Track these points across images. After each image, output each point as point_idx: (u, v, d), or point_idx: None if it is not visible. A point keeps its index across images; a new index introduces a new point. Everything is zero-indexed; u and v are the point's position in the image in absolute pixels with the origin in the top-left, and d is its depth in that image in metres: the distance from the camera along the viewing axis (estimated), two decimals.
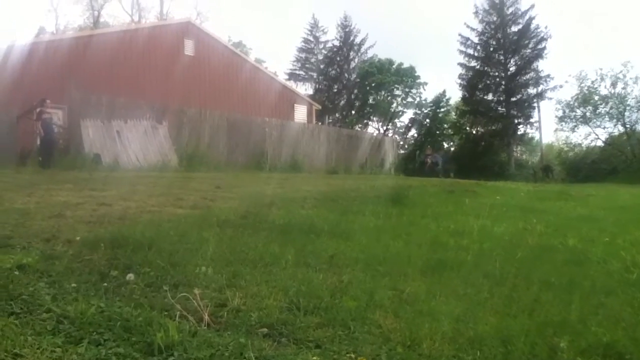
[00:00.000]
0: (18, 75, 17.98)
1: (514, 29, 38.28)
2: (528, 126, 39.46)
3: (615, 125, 36.13)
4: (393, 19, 74.76)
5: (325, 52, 48.15)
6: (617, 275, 4.18)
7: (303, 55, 49.10)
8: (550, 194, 13.75)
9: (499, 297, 3.32)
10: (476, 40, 38.88)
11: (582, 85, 36.04)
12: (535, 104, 37.90)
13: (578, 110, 36.67)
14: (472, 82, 38.86)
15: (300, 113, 29.16)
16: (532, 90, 37.85)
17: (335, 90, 46.76)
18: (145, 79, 21.84)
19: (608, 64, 66.90)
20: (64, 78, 18.53)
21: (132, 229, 4.39)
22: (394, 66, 44.46)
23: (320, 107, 33.60)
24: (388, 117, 45.99)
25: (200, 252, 3.79)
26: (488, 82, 38.99)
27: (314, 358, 2.26)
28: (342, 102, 46.60)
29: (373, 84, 43.89)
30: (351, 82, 46.28)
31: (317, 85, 47.62)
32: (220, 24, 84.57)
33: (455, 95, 46.43)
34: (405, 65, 44.79)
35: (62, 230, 4.35)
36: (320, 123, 33.82)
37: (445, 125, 44.55)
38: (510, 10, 38.22)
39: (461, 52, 38.99)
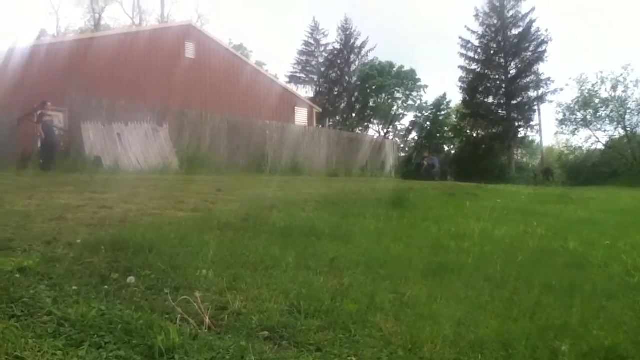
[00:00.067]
0: (19, 77, 18.01)
1: (515, 32, 38.37)
2: (528, 129, 39.54)
3: (615, 129, 36.16)
4: (393, 22, 74.90)
5: (326, 55, 48.24)
6: (618, 278, 4.18)
7: (304, 58, 49.20)
8: (551, 197, 13.74)
9: (500, 301, 3.31)
10: (477, 43, 38.99)
11: (583, 88, 36.08)
12: (536, 107, 37.97)
13: (579, 113, 36.68)
14: (473, 85, 38.91)
15: (301, 116, 29.18)
16: (532, 93, 37.94)
17: (336, 93, 46.82)
18: (146, 81, 21.87)
19: (608, 67, 66.90)
20: (65, 80, 18.56)
21: (133, 232, 4.39)
22: (394, 69, 44.52)
23: (320, 109, 33.64)
24: (389, 120, 46.02)
25: (201, 255, 3.79)
26: (489, 85, 39.05)
27: None
28: (343, 105, 46.65)
29: (374, 87, 43.92)
30: (352, 85, 46.34)
31: (317, 88, 47.69)
32: (221, 26, 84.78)
33: (455, 98, 46.68)
34: (406, 68, 44.92)
35: (63, 233, 4.35)
36: (320, 126, 33.89)
37: (446, 128, 44.60)
38: (511, 13, 38.31)
39: (462, 55, 39.10)
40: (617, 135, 36.52)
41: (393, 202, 8.61)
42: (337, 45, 47.20)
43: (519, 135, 39.18)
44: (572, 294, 3.53)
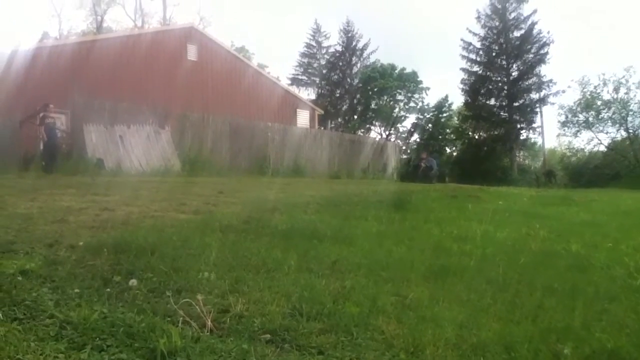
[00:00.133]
0: (21, 80, 18.05)
1: (517, 34, 38.42)
2: (530, 131, 39.58)
3: (618, 130, 36.19)
4: (395, 24, 74.95)
5: (328, 57, 48.31)
6: (621, 281, 4.17)
7: (305, 60, 49.25)
8: (553, 199, 13.72)
9: (502, 303, 3.31)
10: (478, 45, 39.04)
11: (585, 90, 36.12)
12: (538, 109, 37.99)
13: (581, 115, 36.71)
14: (475, 87, 38.94)
15: (303, 118, 29.21)
16: (534, 95, 37.97)
17: (338, 95, 46.88)
18: (148, 84, 21.90)
19: (611, 69, 66.85)
20: (67, 83, 18.61)
21: (135, 234, 4.39)
22: (396, 71, 44.57)
23: (322, 112, 33.66)
24: (390, 122, 46.04)
25: (202, 257, 3.78)
26: (490, 87, 39.08)
27: None
28: (345, 107, 46.70)
29: (375, 89, 43.96)
30: (353, 87, 46.38)
31: (319, 90, 47.75)
32: (223, 29, 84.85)
33: (457, 100, 46.74)
34: (408, 70, 44.99)
35: (65, 236, 4.35)
36: (322, 128, 33.90)
37: (448, 130, 44.63)
38: (513, 15, 38.36)
39: (463, 57, 39.17)
40: (619, 137, 36.58)
41: (395, 205, 8.60)
42: (339, 48, 47.32)
43: (521, 137, 39.21)
44: (575, 297, 3.52)
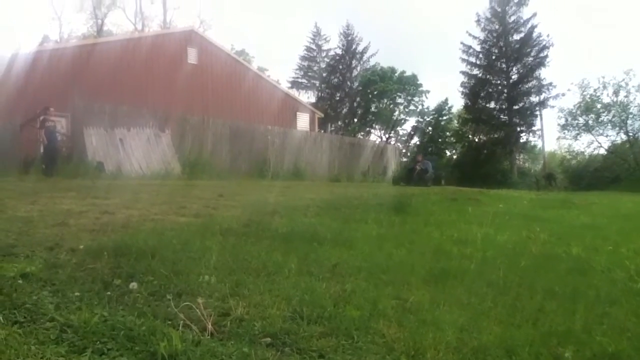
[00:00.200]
0: (22, 83, 18.08)
1: (516, 37, 38.49)
2: (530, 134, 39.61)
3: (617, 133, 36.26)
4: (395, 28, 75.07)
5: (328, 60, 48.40)
6: (621, 284, 4.17)
7: (305, 63, 49.33)
8: (553, 202, 13.73)
9: (502, 307, 3.30)
10: (478, 48, 39.10)
11: (585, 93, 36.19)
12: (538, 112, 38.01)
13: (580, 118, 36.77)
14: (475, 90, 38.98)
15: (303, 121, 29.23)
16: (534, 98, 38.01)
17: (338, 98, 46.94)
18: (148, 87, 21.93)
19: (610, 72, 66.98)
20: (68, 86, 18.62)
21: (135, 238, 4.38)
22: (396, 74, 44.64)
23: (322, 115, 33.69)
24: (390, 125, 46.10)
25: (203, 260, 3.78)
26: (490, 90, 39.12)
27: None
28: (345, 110, 46.75)
29: (375, 92, 44.04)
30: (353, 90, 46.44)
31: (319, 93, 47.82)
32: (223, 32, 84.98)
33: (457, 103, 46.69)
34: (408, 73, 45.08)
35: (66, 239, 4.35)
36: (322, 131, 33.88)
37: (448, 133, 44.66)
38: (512, 18, 38.41)
39: (463, 60, 39.23)
40: (619, 140, 36.65)
41: (395, 208, 8.60)
42: (339, 51, 47.42)
43: (521, 140, 39.24)
44: (575, 300, 3.52)
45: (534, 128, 38.62)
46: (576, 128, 37.14)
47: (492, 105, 39.45)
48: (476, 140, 40.59)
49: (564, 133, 38.10)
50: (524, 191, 22.08)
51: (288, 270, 3.71)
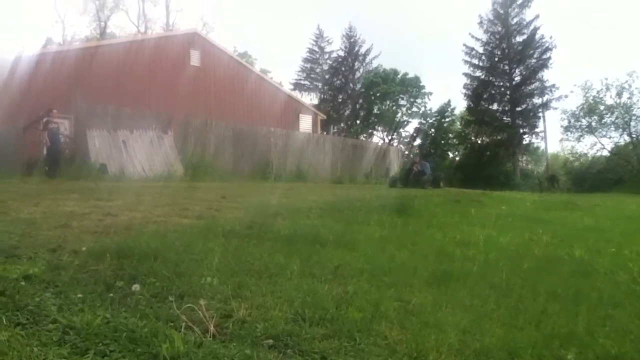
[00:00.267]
0: (25, 85, 18.15)
1: (519, 39, 38.46)
2: (533, 136, 39.59)
3: (621, 135, 36.20)
4: (398, 30, 75.09)
5: (330, 62, 48.43)
6: (624, 286, 4.16)
7: (308, 65, 49.40)
8: (556, 204, 13.71)
9: (505, 309, 3.30)
10: (481, 50, 39.09)
11: (588, 95, 36.14)
12: (541, 114, 37.98)
13: (583, 120, 36.73)
14: (477, 92, 38.96)
15: (306, 123, 29.25)
16: (537, 100, 37.97)
17: (340, 100, 46.94)
18: (151, 89, 21.98)
19: (613, 73, 66.86)
20: (71, 88, 18.67)
21: (138, 239, 4.39)
22: (398, 76, 44.64)
23: (325, 116, 33.73)
24: (393, 126, 46.08)
25: (205, 262, 3.78)
26: (493, 92, 39.10)
27: None
28: (347, 112, 46.76)
29: (378, 94, 44.04)
30: (356, 92, 46.44)
31: (322, 95, 47.84)
32: (226, 34, 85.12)
33: (460, 105, 46.72)
34: (410, 75, 45.07)
35: (68, 241, 4.36)
36: (325, 133, 33.93)
37: (450, 135, 44.63)
38: (515, 20, 38.40)
39: (466, 62, 39.22)
40: (622, 142, 36.59)
41: (397, 209, 8.60)
42: (342, 53, 47.44)
43: (524, 142, 39.21)
44: (578, 302, 3.51)
45: (536, 130, 38.66)
46: (579, 130, 37.13)
47: (494, 107, 39.43)
48: (479, 142, 40.57)
49: (567, 135, 38.12)
50: (526, 193, 22.05)
51: (290, 272, 3.71)
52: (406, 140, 48.17)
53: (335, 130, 45.11)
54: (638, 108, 34.57)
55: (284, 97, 28.97)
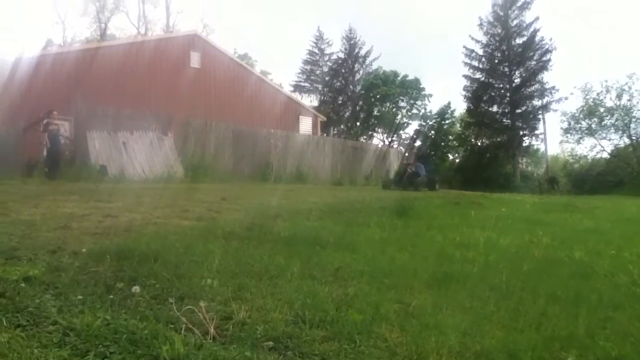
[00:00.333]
0: (25, 86, 18.16)
1: (519, 41, 38.49)
2: (533, 138, 39.58)
3: (621, 137, 36.22)
4: (398, 32, 75.12)
5: (330, 64, 48.42)
6: (625, 288, 4.15)
7: (308, 67, 49.40)
8: (556, 206, 13.71)
9: (505, 311, 3.30)
10: (481, 52, 39.12)
11: (588, 97, 36.16)
12: (541, 116, 37.98)
13: (583, 122, 36.74)
14: (477, 94, 38.98)
15: (305, 124, 29.27)
16: (537, 102, 37.99)
17: (340, 101, 46.94)
18: (151, 90, 21.99)
19: (613, 76, 66.91)
20: (71, 90, 18.69)
21: (138, 241, 4.39)
22: (398, 78, 44.67)
23: (325, 118, 33.74)
24: (393, 128, 46.08)
25: (205, 264, 3.78)
26: (493, 94, 39.12)
27: None
28: (347, 114, 46.75)
29: (378, 96, 44.05)
30: (356, 94, 46.45)
31: (322, 97, 47.84)
32: (226, 36, 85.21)
33: (460, 107, 46.66)
34: (410, 77, 45.10)
35: (68, 242, 4.36)
36: (325, 134, 33.97)
37: (450, 136, 44.63)
38: (515, 22, 38.44)
39: (466, 64, 39.24)
40: (622, 144, 36.61)
41: (397, 211, 8.60)
42: (342, 55, 47.44)
43: (524, 144, 39.21)
44: (578, 304, 3.51)
45: (536, 132, 38.65)
46: (579, 132, 37.14)
47: (494, 108, 39.44)
48: (479, 143, 40.57)
49: (567, 137, 38.11)
50: (526, 195, 22.06)
51: (290, 274, 3.71)
52: (406, 142, 48.15)
53: (335, 132, 45.15)
54: (638, 110, 34.64)
55: (284, 99, 28.98)
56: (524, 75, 38.15)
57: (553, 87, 37.24)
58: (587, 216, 10.83)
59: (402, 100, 45.45)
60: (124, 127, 17.61)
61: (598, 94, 35.73)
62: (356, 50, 46.96)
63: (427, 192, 17.78)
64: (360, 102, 46.24)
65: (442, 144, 44.22)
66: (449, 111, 44.61)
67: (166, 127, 19.01)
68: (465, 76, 39.48)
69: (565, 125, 37.37)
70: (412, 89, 44.83)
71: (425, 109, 46.09)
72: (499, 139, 38.61)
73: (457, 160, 43.76)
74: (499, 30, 38.64)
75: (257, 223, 6.12)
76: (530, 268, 4.63)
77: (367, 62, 47.10)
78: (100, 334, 2.34)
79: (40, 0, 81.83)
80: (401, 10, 77.77)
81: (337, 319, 2.83)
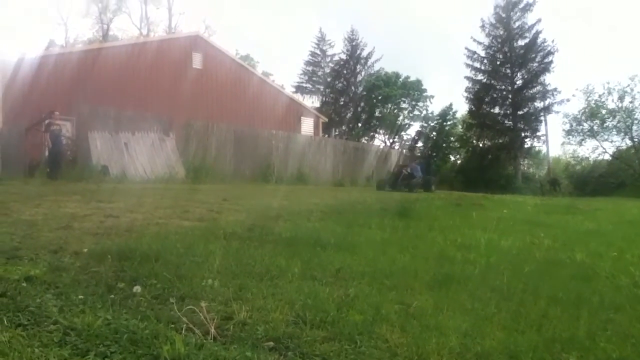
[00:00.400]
0: (27, 87, 18.20)
1: (521, 42, 38.41)
2: (535, 139, 39.43)
3: (622, 139, 36.20)
4: (400, 33, 75.18)
5: (332, 65, 48.45)
6: (626, 290, 4.15)
7: (310, 68, 49.41)
8: (558, 207, 13.69)
9: (506, 312, 3.29)
10: (483, 53, 39.05)
11: (590, 98, 36.16)
12: (542, 118, 37.90)
13: (585, 124, 36.73)
14: (479, 96, 38.92)
15: (307, 125, 29.28)
16: (539, 104, 37.90)
17: (342, 103, 46.95)
18: (153, 91, 22.02)
19: (615, 77, 66.89)
20: (73, 90, 18.75)
21: (139, 241, 4.40)
22: (400, 79, 44.66)
23: (326, 119, 33.74)
24: (394, 130, 46.03)
25: (206, 264, 3.79)
26: (495, 95, 39.06)
27: None
28: (349, 115, 46.75)
29: (379, 97, 44.05)
30: (358, 95, 46.45)
31: (323, 98, 47.85)
32: (228, 37, 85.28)
33: (462, 108, 46.65)
34: (412, 78, 45.11)
35: (70, 242, 4.37)
36: (326, 135, 33.98)
37: (452, 138, 44.57)
38: (517, 24, 38.37)
39: (468, 65, 39.17)
40: (624, 146, 36.59)
41: (399, 212, 8.60)
42: (343, 56, 47.44)
43: (526, 146, 39.10)
44: (579, 306, 3.50)
45: (538, 133, 38.53)
46: (581, 133, 37.12)
47: (496, 110, 39.37)
48: (480, 145, 40.50)
49: (569, 138, 38.11)
50: (528, 196, 22.02)
51: (291, 275, 3.71)
52: (407, 143, 48.11)
53: (336, 133, 45.15)
54: None
55: (285, 100, 29.01)
56: (526, 76, 38.09)
57: (555, 89, 37.21)
58: (588, 218, 10.81)
59: (404, 102, 45.44)
60: (126, 128, 17.64)
61: (600, 96, 35.80)
62: (358, 52, 46.97)
63: (427, 194, 17.76)
64: (362, 103, 46.23)
65: (444, 145, 44.17)
66: (450, 112, 44.58)
67: (168, 127, 19.04)
68: (467, 78, 39.45)
69: (567, 127, 37.43)
70: (413, 91, 44.82)
71: (427, 110, 46.11)
72: (500, 141, 38.55)
73: (459, 162, 43.70)
74: (501, 32, 38.58)
75: (258, 224, 6.13)
76: (531, 269, 4.62)
77: (369, 63, 47.14)
78: (101, 334, 2.35)
79: (43, 1, 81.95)
80: (403, 12, 77.81)
81: (337, 320, 2.83)
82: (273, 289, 3.36)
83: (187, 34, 27.99)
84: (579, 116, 36.69)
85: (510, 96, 38.27)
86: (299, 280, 3.61)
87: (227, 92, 25.61)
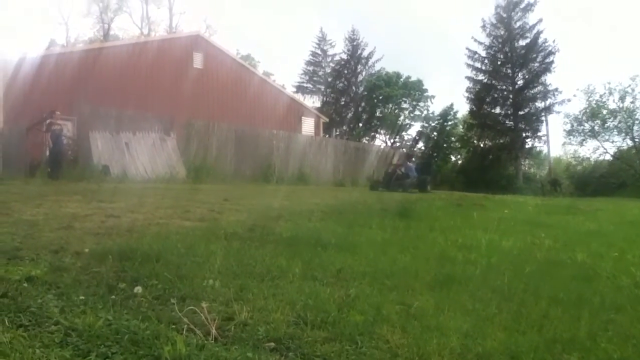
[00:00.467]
0: (28, 87, 18.22)
1: (522, 42, 38.42)
2: (536, 140, 39.46)
3: (623, 139, 36.19)
4: (400, 33, 75.15)
5: (333, 65, 48.48)
6: (627, 290, 4.14)
7: (311, 68, 49.44)
8: (559, 208, 13.68)
9: (507, 313, 3.29)
10: (484, 54, 39.05)
11: (591, 99, 36.14)
12: (543, 118, 37.90)
13: (586, 124, 36.71)
14: (480, 96, 38.91)
15: (308, 125, 29.28)
16: (540, 104, 37.92)
17: (343, 103, 46.96)
18: (154, 91, 22.03)
19: (616, 77, 66.81)
20: (74, 90, 18.75)
21: (140, 241, 4.40)
22: (401, 79, 44.67)
23: (327, 119, 33.73)
24: (395, 130, 46.04)
25: (207, 265, 3.79)
26: (496, 95, 39.05)
27: None
28: (350, 115, 46.76)
29: (380, 97, 44.06)
30: (358, 95, 46.47)
31: (324, 98, 47.87)
32: (229, 37, 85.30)
33: (462, 108, 46.75)
34: (413, 78, 45.14)
35: (71, 242, 4.37)
36: (327, 135, 33.97)
37: (453, 138, 44.56)
38: (518, 24, 38.37)
39: (469, 65, 39.17)
40: (625, 146, 36.58)
41: (399, 213, 8.60)
42: (344, 56, 47.49)
43: (527, 146, 39.11)
44: (580, 307, 3.50)
45: (539, 134, 38.56)
46: (582, 134, 37.11)
47: (497, 110, 39.37)
48: (481, 145, 40.49)
49: (570, 139, 38.10)
50: (529, 197, 22.00)
51: (292, 275, 3.71)
52: (408, 143, 48.14)
53: (337, 133, 45.15)
54: None
55: (286, 100, 29.01)
56: (526, 77, 38.09)
57: (556, 89, 37.22)
58: (589, 218, 10.80)
59: (405, 102, 45.47)
60: (127, 128, 17.66)
61: (601, 96, 35.78)
62: (359, 52, 46.99)
63: (428, 194, 17.75)
64: (363, 103, 46.24)
65: (445, 145, 44.17)
66: (451, 113, 44.57)
67: (169, 127, 19.06)
68: (468, 78, 39.46)
69: (568, 127, 37.41)
70: (414, 91, 44.83)
71: (427, 110, 46.14)
72: (501, 141, 38.54)
73: (460, 162, 43.71)
74: (502, 32, 38.58)
75: (259, 224, 6.13)
76: (532, 270, 4.61)
77: (370, 63, 47.17)
78: (102, 334, 2.35)
79: (44, 1, 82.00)
80: (404, 12, 77.78)
81: (338, 320, 2.83)
82: (274, 289, 3.36)
83: (188, 34, 28.01)
84: (580, 116, 36.72)
85: (511, 96, 38.27)
86: (300, 281, 3.61)
87: (228, 92, 25.62)
